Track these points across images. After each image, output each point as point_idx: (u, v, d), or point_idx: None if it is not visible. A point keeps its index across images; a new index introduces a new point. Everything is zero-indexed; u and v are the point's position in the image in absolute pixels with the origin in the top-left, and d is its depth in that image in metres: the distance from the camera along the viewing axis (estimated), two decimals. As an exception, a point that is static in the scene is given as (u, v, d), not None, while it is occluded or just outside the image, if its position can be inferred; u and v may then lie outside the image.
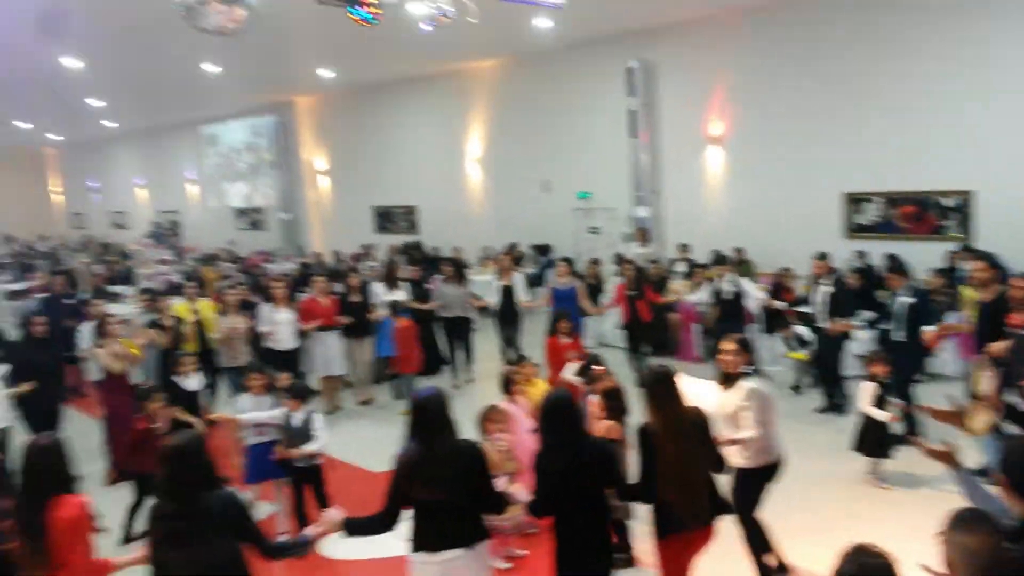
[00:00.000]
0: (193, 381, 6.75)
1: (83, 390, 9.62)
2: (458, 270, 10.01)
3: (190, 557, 3.11)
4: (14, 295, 15.31)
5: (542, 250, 14.43)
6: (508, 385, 5.85)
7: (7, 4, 8.92)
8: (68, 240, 28.03)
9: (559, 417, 3.61)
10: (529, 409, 5.91)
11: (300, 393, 5.77)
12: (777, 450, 4.66)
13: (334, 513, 3.57)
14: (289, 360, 8.57)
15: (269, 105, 20.26)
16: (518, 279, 9.98)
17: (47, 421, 6.97)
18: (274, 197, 21.31)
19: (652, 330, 9.46)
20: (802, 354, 8.41)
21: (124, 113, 21.16)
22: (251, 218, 23.01)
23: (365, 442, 7.90)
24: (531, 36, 12.58)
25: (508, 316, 9.83)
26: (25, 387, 6.86)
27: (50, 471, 3.46)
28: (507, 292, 9.74)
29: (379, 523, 3.53)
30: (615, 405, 5.28)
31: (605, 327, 11.57)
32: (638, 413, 5.67)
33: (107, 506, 4.98)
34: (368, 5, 5.86)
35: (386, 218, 18.80)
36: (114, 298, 12.92)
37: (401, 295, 9.44)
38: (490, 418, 5.22)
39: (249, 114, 21.18)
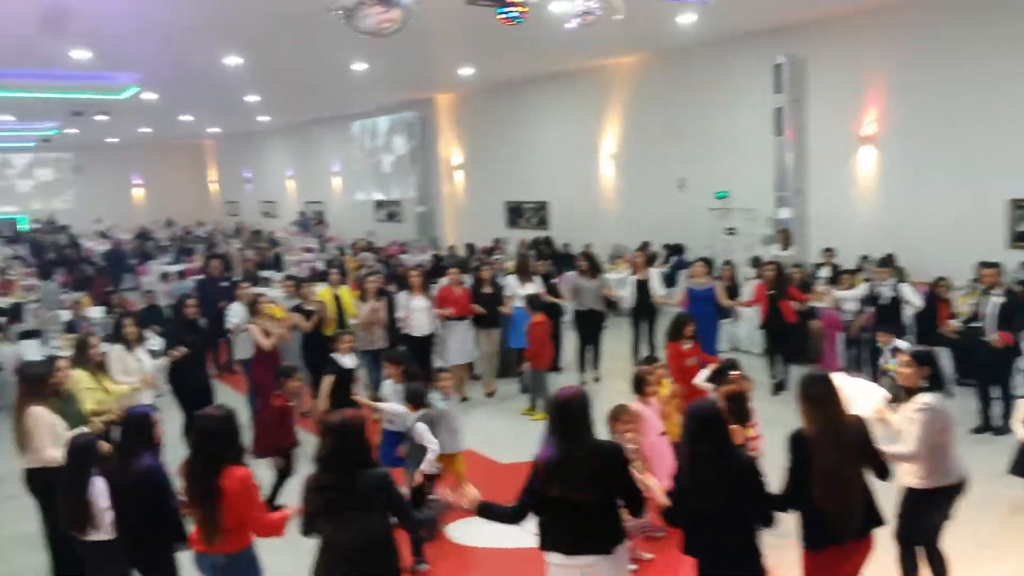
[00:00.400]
0: (349, 359, 7.13)
1: (232, 367, 10.28)
2: (592, 264, 9.99)
3: (345, 528, 3.32)
4: (173, 276, 16.61)
5: (675, 250, 14.17)
6: (640, 385, 5.78)
7: (175, 6, 9.60)
8: (223, 226, 30.02)
9: (707, 428, 3.51)
10: (660, 411, 5.86)
11: (414, 398, 5.82)
12: (957, 472, 4.32)
13: (473, 492, 3.66)
14: (423, 346, 8.90)
15: (411, 102, 20.92)
16: (654, 274, 9.88)
17: (197, 398, 7.31)
18: (411, 190, 22.00)
19: (793, 335, 9.08)
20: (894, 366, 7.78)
21: (277, 108, 22.43)
22: (389, 210, 23.86)
23: (490, 433, 8.05)
24: (674, 32, 12.39)
25: (643, 312, 9.74)
26: (176, 353, 7.38)
27: (222, 441, 3.70)
28: (642, 288, 9.65)
29: (512, 515, 3.59)
30: (738, 410, 5.15)
31: (741, 332, 11.25)
32: (771, 420, 5.56)
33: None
34: (516, 5, 5.95)
35: (517, 213, 19.02)
36: (264, 282, 13.72)
37: (534, 288, 9.49)
38: (620, 418, 5.18)
39: (392, 110, 21.94)
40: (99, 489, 4.13)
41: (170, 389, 7.80)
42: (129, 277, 19.36)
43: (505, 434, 8.11)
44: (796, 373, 7.96)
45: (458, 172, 20.83)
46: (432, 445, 5.59)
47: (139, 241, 23.87)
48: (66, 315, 11.71)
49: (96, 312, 11.75)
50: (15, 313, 12.21)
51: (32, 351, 9.77)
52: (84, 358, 6.14)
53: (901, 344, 7.52)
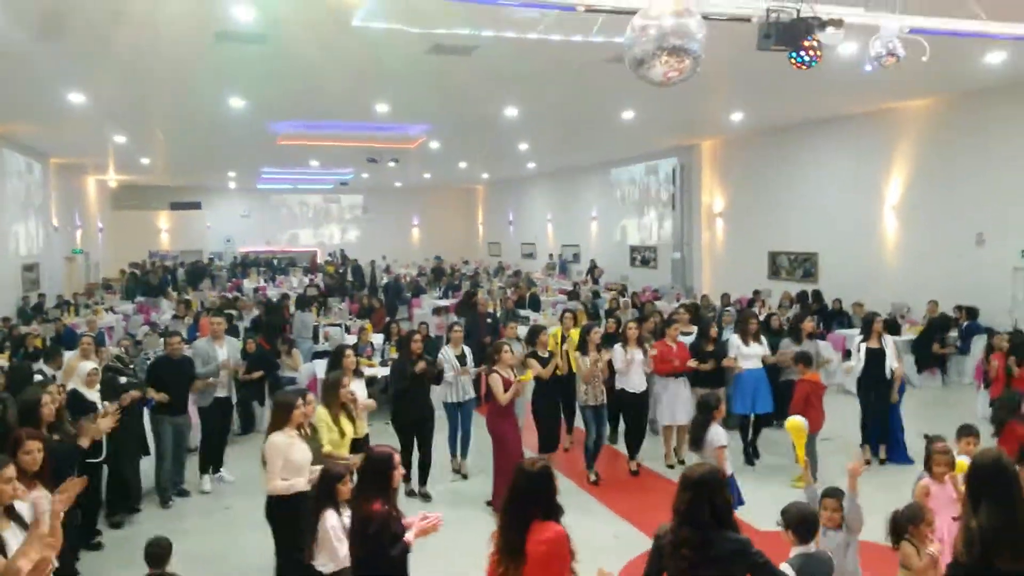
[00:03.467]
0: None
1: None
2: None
3: None
4: (438, 311, 17.83)
5: (969, 313, 12.62)
6: (929, 462, 5.18)
7: (468, 64, 10.40)
8: (486, 265, 31.87)
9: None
10: (956, 496, 5.20)
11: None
12: None
13: None
14: (639, 403, 8.52)
15: (674, 148, 20.90)
16: (890, 342, 8.79)
17: (417, 431, 7.71)
18: (668, 236, 21.85)
19: None
20: None
21: (543, 155, 23.53)
22: (643, 255, 23.88)
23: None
24: (977, 72, 11.22)
25: (872, 385, 8.59)
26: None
27: (537, 496, 3.53)
28: (873, 357, 8.53)
29: None
30: None
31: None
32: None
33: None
34: (811, 49, 5.70)
35: (781, 263, 18.09)
36: (523, 320, 14.27)
37: (760, 350, 8.83)
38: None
39: (654, 157, 22.06)
40: (332, 523, 4.18)
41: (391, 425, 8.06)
42: (403, 308, 21.13)
43: (757, 497, 7.54)
44: None
45: (718, 219, 20.33)
46: None
47: (415, 276, 26.05)
48: (351, 339, 13.00)
49: (377, 338, 12.91)
50: (314, 335, 13.82)
51: (324, 370, 10.92)
52: (331, 397, 6.05)
53: None
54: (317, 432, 5.61)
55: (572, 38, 8.39)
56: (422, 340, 8.32)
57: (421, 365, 7.71)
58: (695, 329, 9.45)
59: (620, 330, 9.17)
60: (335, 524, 4.18)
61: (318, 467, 5.00)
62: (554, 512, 3.54)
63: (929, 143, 14.16)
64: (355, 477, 4.46)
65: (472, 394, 8.49)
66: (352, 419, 6.08)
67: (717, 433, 6.19)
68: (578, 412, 8.78)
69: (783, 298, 16.03)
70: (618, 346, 8.46)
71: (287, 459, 5.04)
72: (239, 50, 9.56)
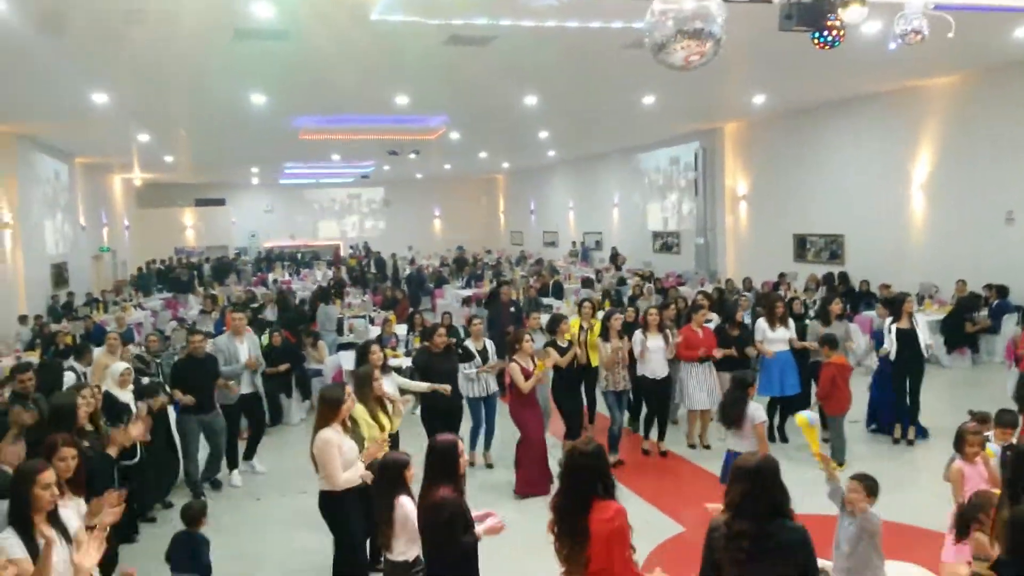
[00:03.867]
0: None
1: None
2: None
3: None
4: (467, 301, 17.87)
5: (1000, 292, 12.42)
6: (960, 444, 5.12)
7: (486, 55, 10.38)
8: (508, 254, 31.88)
9: None
10: (990, 475, 5.14)
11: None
12: None
13: None
14: (661, 390, 8.50)
15: (696, 132, 20.72)
16: (922, 321, 8.67)
17: (446, 422, 7.33)
18: (691, 221, 21.70)
19: None
20: None
21: (564, 143, 23.46)
22: (665, 241, 23.75)
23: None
24: (1006, 46, 11.00)
25: (906, 366, 8.52)
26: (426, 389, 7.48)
27: (594, 474, 3.55)
28: (905, 338, 8.47)
29: None
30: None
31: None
32: None
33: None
34: (834, 28, 5.62)
35: (806, 246, 17.91)
36: (547, 309, 14.26)
37: (786, 333, 8.75)
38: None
39: (675, 142, 21.89)
40: (409, 508, 4.10)
41: (421, 415, 8.02)
42: (426, 299, 21.22)
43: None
44: None
45: (742, 203, 20.15)
46: None
47: (438, 267, 26.13)
48: (376, 330, 13.09)
49: (401, 329, 12.98)
50: (338, 328, 13.93)
51: (349, 362, 11.00)
52: (365, 392, 5.84)
53: None
54: (357, 426, 5.55)
55: (590, 24, 8.36)
56: (446, 330, 8.36)
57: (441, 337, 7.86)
58: (715, 316, 9.44)
59: (639, 317, 9.19)
60: (413, 509, 4.10)
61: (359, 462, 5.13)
62: (611, 489, 3.55)
63: (955, 121, 13.92)
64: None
65: (495, 388, 8.49)
66: (387, 414, 6.02)
67: (756, 410, 6.22)
68: (599, 399, 8.82)
69: (809, 280, 15.88)
70: (638, 332, 8.49)
71: (342, 453, 4.99)
72: (259, 47, 9.62)
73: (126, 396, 6.90)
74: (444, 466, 3.97)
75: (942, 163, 14.23)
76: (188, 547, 5.21)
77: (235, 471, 8.37)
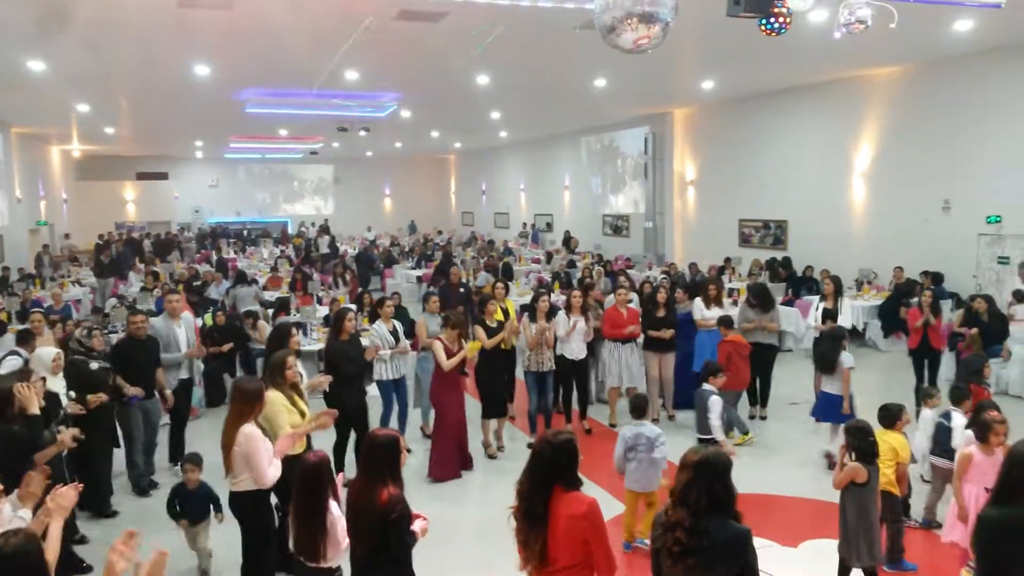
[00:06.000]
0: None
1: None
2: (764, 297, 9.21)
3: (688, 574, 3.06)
4: (419, 280, 17.78)
5: (935, 279, 12.85)
6: (986, 432, 5.17)
7: (438, 32, 10.28)
8: (459, 235, 31.76)
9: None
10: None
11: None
12: None
13: None
14: (579, 370, 8.69)
15: (645, 116, 20.87)
16: (846, 304, 9.07)
17: (359, 419, 7.17)
18: (640, 205, 21.91)
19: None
20: None
21: (516, 124, 23.40)
22: (614, 224, 23.95)
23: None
24: (945, 40, 11.32)
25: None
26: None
27: (560, 466, 3.46)
28: (829, 316, 8.77)
29: None
30: (863, 446, 4.82)
31: (1012, 373, 10.03)
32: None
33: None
34: (780, 15, 5.70)
35: (752, 231, 18.26)
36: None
37: (718, 313, 8.99)
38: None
39: (625, 125, 22.03)
40: (337, 514, 3.92)
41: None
42: (375, 279, 21.04)
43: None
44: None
45: (690, 188, 20.42)
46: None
47: (388, 247, 25.90)
48: (324, 310, 12.94)
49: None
50: (283, 306, 13.70)
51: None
52: (279, 378, 5.46)
53: None
54: (269, 425, 5.16)
55: (542, 3, 8.32)
56: (394, 309, 8.26)
57: (371, 351, 7.59)
58: (635, 296, 9.79)
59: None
60: (339, 515, 3.91)
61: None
62: (576, 482, 3.47)
63: (898, 111, 14.30)
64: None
65: (405, 371, 8.24)
66: (304, 400, 5.64)
67: (847, 358, 7.33)
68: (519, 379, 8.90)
69: (753, 265, 16.22)
70: (561, 313, 8.58)
71: (267, 449, 4.69)
72: (204, 15, 9.34)
73: (57, 384, 6.32)
74: (389, 461, 3.80)
75: (883, 152, 14.62)
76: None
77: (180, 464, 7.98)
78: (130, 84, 14.50)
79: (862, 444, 4.80)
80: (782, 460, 7.88)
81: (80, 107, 16.96)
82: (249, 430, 4.65)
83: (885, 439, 5.32)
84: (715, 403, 6.52)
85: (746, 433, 8.35)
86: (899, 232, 14.15)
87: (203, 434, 8.55)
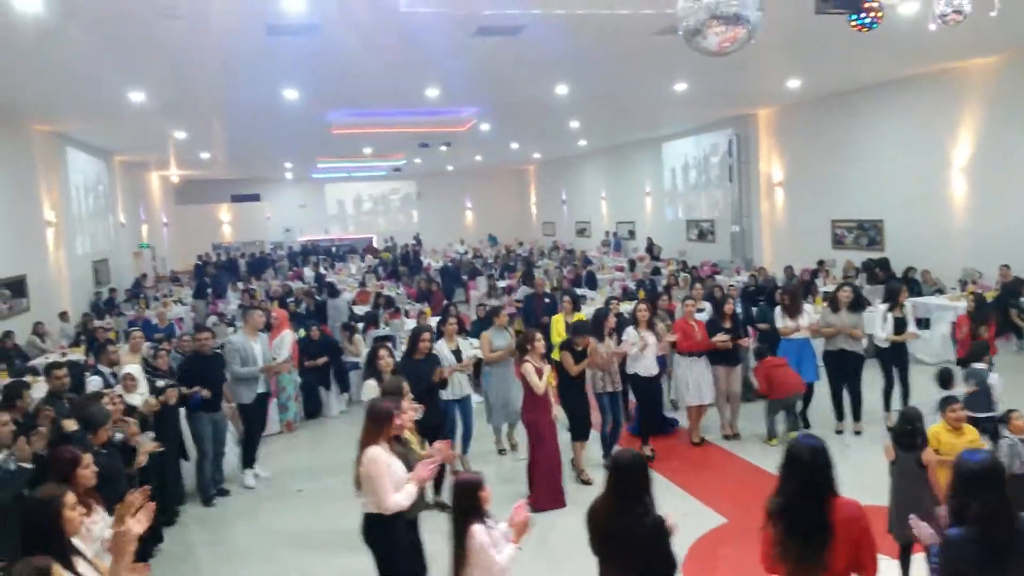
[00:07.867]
0: None
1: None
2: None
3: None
4: (499, 291, 17.83)
5: (1046, 276, 12.11)
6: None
7: (515, 47, 10.33)
8: (540, 245, 31.81)
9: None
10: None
11: None
12: None
13: None
14: (652, 388, 8.34)
15: (729, 119, 20.45)
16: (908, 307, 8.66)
17: (434, 439, 6.97)
18: (725, 209, 21.44)
19: None
20: None
21: (595, 132, 23.29)
22: (700, 229, 23.51)
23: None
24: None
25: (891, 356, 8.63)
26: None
27: (815, 469, 3.38)
28: (900, 326, 8.51)
29: None
30: (905, 430, 5.03)
31: None
32: None
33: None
34: (872, 10, 5.49)
35: (845, 232, 17.60)
36: (581, 299, 14.18)
37: (804, 321, 8.68)
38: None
39: (708, 129, 21.64)
40: (482, 539, 3.74)
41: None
42: (460, 291, 21.26)
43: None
44: None
45: (777, 189, 19.86)
46: None
47: (471, 259, 26.17)
48: (411, 323, 13.15)
49: (435, 321, 13.03)
50: (372, 320, 14.01)
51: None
52: (383, 431, 4.87)
53: None
54: (410, 445, 5.03)
55: (619, 12, 8.26)
56: (457, 326, 8.00)
57: (441, 372, 7.15)
58: (708, 306, 9.46)
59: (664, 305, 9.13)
60: (486, 540, 3.74)
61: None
62: (837, 486, 3.43)
63: (997, 102, 13.54)
64: None
65: (469, 390, 7.98)
66: (413, 432, 5.42)
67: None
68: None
69: (847, 267, 15.64)
70: (630, 328, 8.20)
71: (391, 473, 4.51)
72: (290, 42, 9.68)
73: (134, 400, 6.65)
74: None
75: (983, 145, 13.87)
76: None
77: (248, 471, 8.16)
78: (223, 110, 15.14)
79: (903, 428, 5.00)
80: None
81: (177, 134, 17.81)
82: (374, 453, 4.48)
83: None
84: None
85: (773, 437, 8.35)
86: (1005, 228, 13.38)
87: (298, 445, 8.82)
